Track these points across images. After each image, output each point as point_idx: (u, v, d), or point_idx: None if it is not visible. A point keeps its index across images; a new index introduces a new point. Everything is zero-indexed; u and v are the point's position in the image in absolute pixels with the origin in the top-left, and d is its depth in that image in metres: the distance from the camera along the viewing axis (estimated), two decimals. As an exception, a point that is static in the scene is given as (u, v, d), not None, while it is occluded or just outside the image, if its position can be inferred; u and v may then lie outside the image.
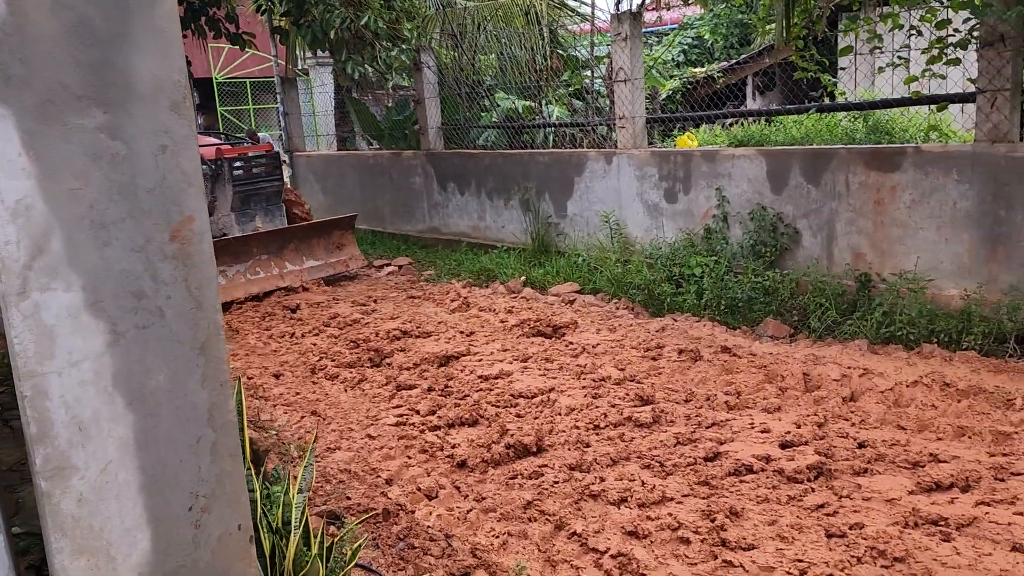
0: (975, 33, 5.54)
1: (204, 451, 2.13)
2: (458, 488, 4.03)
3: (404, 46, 8.84)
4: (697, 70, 14.13)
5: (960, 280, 5.81)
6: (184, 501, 2.10)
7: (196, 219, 2.05)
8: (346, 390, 5.64)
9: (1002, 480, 3.69)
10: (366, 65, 8.52)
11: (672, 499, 3.71)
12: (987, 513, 3.40)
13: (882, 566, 3.05)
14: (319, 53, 12.51)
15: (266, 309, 7.81)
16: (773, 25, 6.64)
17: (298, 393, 5.60)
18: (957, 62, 5.71)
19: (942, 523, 3.34)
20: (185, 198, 2.02)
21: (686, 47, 16.75)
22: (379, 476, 4.12)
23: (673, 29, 17.19)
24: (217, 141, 9.27)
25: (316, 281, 8.79)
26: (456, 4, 11.87)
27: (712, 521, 3.44)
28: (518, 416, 4.90)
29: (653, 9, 17.97)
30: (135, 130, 1.91)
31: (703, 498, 3.69)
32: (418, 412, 5.07)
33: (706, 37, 16.46)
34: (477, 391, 5.34)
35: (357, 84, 11.31)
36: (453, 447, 4.49)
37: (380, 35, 8.69)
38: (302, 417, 5.08)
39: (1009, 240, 5.57)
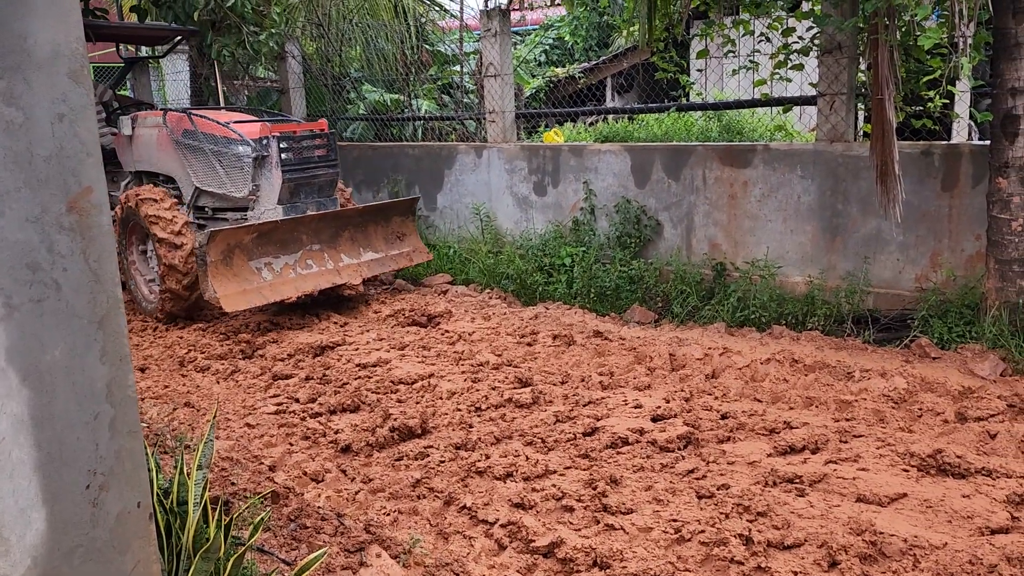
0: (816, 41, 6.06)
1: (102, 427, 2.09)
2: (344, 471, 4.05)
3: (272, 30, 8.60)
4: (559, 70, 14.50)
5: (804, 268, 6.34)
6: (81, 479, 2.06)
7: (94, 190, 2.02)
8: (219, 381, 5.50)
9: (846, 442, 4.10)
10: (234, 50, 8.19)
11: (555, 472, 3.89)
12: (835, 470, 3.78)
13: (747, 520, 3.34)
14: (174, 38, 11.94)
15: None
16: (636, 27, 6.98)
17: (167, 386, 5.40)
18: (801, 67, 6.22)
19: (797, 481, 3.69)
20: (83, 168, 1.99)
21: (547, 47, 17.15)
22: (262, 463, 4.07)
23: (535, 30, 17.57)
24: (250, 117, 7.58)
25: (375, 278, 7.50)
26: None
27: (594, 489, 3.64)
28: (400, 401, 4.95)
29: (517, 9, 18.29)
30: (32, 97, 1.87)
31: (584, 469, 3.89)
32: (297, 400, 5.03)
33: (567, 38, 16.92)
34: (356, 379, 5.34)
35: (217, 72, 10.90)
36: (336, 433, 4.49)
37: (247, 19, 8.43)
38: (174, 409, 4.92)
39: (846, 231, 6.13)
